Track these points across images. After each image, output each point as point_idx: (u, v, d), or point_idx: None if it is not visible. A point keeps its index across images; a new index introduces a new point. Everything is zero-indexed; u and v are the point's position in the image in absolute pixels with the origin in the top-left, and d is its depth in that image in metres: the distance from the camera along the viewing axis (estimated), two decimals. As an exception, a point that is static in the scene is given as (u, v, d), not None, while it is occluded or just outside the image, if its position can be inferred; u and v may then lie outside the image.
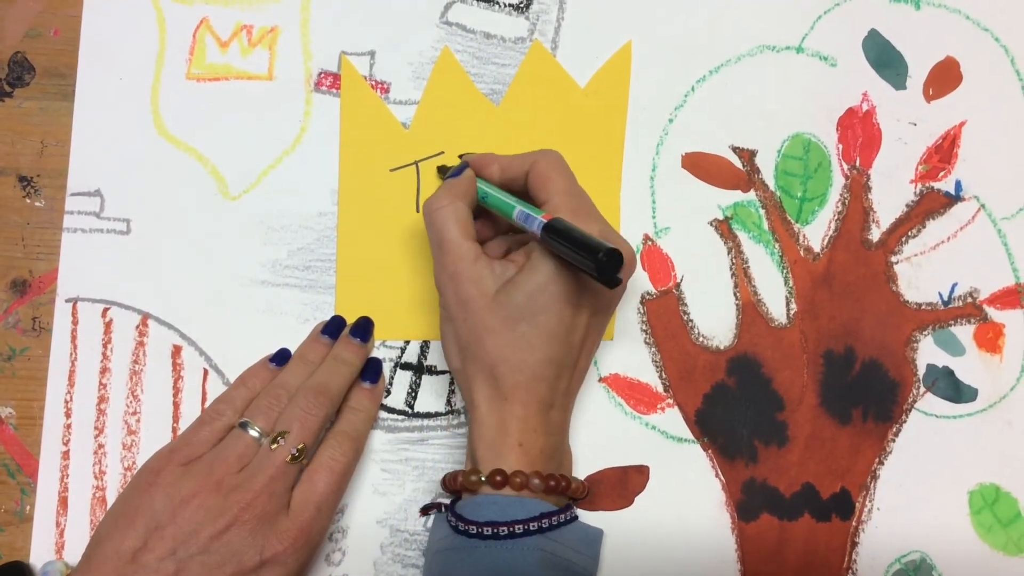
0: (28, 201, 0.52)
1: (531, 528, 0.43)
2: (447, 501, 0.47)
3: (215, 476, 0.44)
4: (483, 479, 0.44)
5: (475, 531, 0.43)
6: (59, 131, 0.53)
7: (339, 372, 0.48)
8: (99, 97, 0.53)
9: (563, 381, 0.46)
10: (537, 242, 0.44)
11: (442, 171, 0.52)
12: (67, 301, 0.51)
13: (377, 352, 0.51)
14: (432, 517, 0.49)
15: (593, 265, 0.40)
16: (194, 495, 0.43)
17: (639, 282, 0.52)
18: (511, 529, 0.43)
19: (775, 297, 0.52)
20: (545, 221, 0.43)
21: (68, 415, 0.51)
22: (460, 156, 0.50)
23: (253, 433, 0.46)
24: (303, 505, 0.44)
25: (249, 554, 0.43)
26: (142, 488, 0.44)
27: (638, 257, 0.52)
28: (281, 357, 0.50)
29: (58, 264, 0.52)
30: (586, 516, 0.50)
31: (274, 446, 0.45)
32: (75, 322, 0.51)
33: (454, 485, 0.46)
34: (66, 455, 0.50)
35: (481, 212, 0.49)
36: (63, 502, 0.50)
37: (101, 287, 0.52)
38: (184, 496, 0.43)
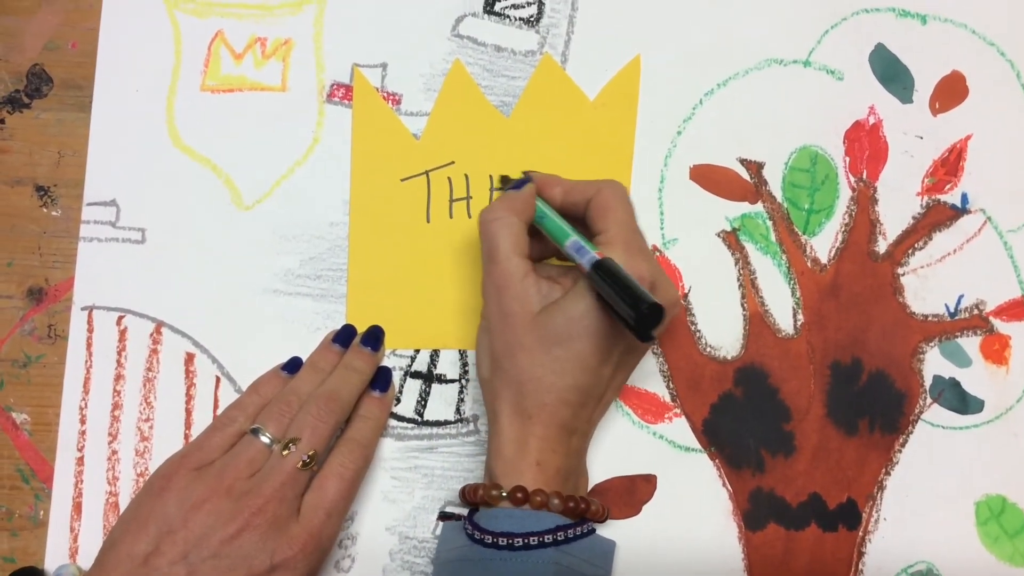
0: (45, 210, 0.53)
1: (546, 540, 0.43)
2: (463, 511, 0.47)
3: (226, 481, 0.44)
4: (503, 494, 0.44)
5: (491, 541, 0.43)
6: (76, 142, 0.54)
7: (350, 380, 0.49)
8: (115, 108, 0.54)
9: (587, 410, 0.46)
10: (584, 276, 0.44)
11: (504, 181, 0.51)
12: (83, 309, 0.52)
13: (387, 361, 0.52)
14: (441, 525, 0.50)
15: (633, 315, 0.40)
16: (205, 500, 0.44)
17: (647, 292, 0.53)
18: (526, 541, 0.43)
19: (782, 308, 0.53)
20: (597, 259, 0.43)
21: (83, 421, 0.51)
22: (524, 172, 0.50)
23: (264, 439, 0.46)
24: (313, 511, 0.45)
25: (260, 558, 0.43)
26: (154, 493, 0.45)
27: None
28: (293, 365, 0.51)
29: (73, 273, 0.52)
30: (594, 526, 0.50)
31: (285, 452, 0.45)
32: (91, 330, 0.52)
33: (473, 498, 0.46)
34: (80, 461, 0.51)
35: (537, 231, 0.48)
36: (77, 507, 0.50)
37: (116, 295, 0.52)
38: (195, 501, 0.44)
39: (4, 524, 0.50)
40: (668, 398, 0.52)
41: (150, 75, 0.54)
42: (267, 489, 0.44)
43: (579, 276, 0.45)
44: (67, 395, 0.51)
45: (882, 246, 0.53)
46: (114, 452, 0.51)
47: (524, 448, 0.45)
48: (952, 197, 0.53)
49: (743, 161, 0.54)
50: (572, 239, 0.45)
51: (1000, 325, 0.52)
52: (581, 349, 0.44)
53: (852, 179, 0.53)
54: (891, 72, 0.54)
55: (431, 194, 0.53)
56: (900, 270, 0.53)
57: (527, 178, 0.49)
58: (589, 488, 0.50)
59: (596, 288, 0.43)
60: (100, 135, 0.53)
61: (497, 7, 0.55)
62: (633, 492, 0.51)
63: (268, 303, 0.52)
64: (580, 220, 0.47)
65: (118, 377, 0.52)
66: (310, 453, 0.45)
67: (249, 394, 0.49)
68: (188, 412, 0.51)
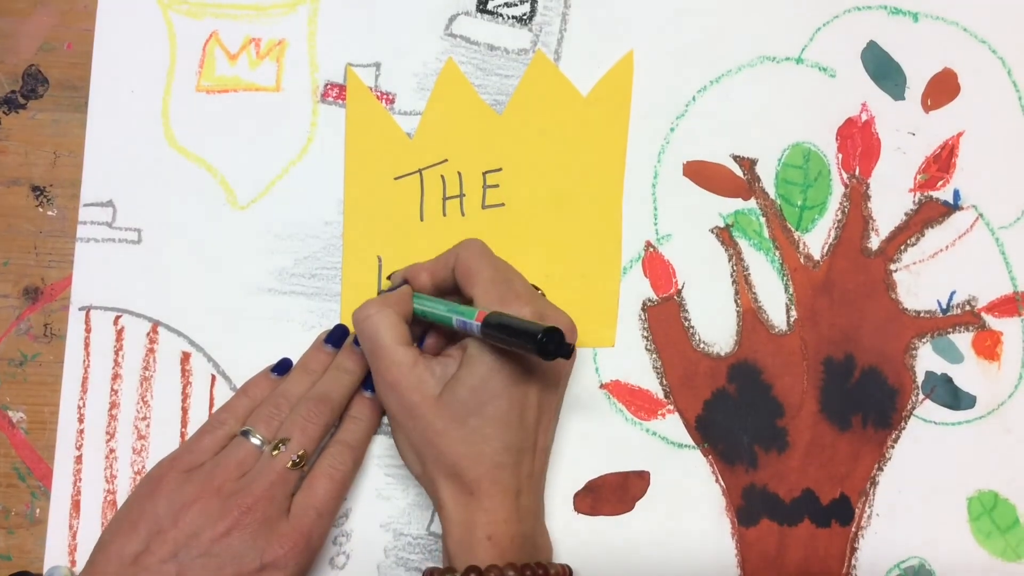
0: (41, 210, 0.53)
1: None
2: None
3: (216, 482, 0.45)
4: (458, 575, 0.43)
5: None
6: (72, 142, 0.54)
7: (341, 381, 0.49)
8: (111, 109, 0.54)
9: (526, 465, 0.45)
10: (474, 340, 0.44)
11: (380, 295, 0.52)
12: (80, 309, 0.52)
13: (382, 359, 0.52)
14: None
15: (536, 348, 0.40)
16: (195, 500, 0.44)
17: (640, 289, 0.53)
18: None
19: (775, 304, 0.53)
20: (479, 323, 0.43)
21: (81, 420, 0.52)
22: (388, 277, 0.51)
23: (255, 441, 0.46)
24: (303, 510, 0.45)
25: (249, 557, 0.43)
26: (145, 494, 0.45)
27: (640, 264, 0.53)
28: (283, 367, 0.51)
29: (69, 272, 0.53)
30: (587, 521, 0.50)
31: (275, 453, 0.46)
32: (88, 330, 0.52)
33: None
34: (79, 459, 0.51)
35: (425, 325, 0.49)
36: (76, 505, 0.51)
37: (113, 295, 0.53)
38: (185, 501, 0.44)
39: (1, 522, 0.51)
40: (661, 394, 0.52)
41: (145, 76, 0.54)
42: (257, 489, 0.44)
43: (467, 343, 0.45)
44: (65, 394, 0.52)
45: (875, 242, 0.53)
46: (112, 450, 0.51)
47: (472, 526, 0.44)
48: (944, 194, 0.53)
49: (736, 158, 0.54)
50: (455, 319, 0.45)
51: (992, 321, 0.52)
52: (495, 410, 0.44)
53: (845, 176, 0.54)
54: (883, 69, 0.54)
55: (424, 192, 0.53)
56: (893, 266, 0.53)
57: (401, 281, 0.49)
58: (583, 484, 0.50)
59: (495, 344, 0.43)
60: (96, 136, 0.54)
61: (490, 6, 0.55)
62: (626, 488, 0.51)
63: (263, 302, 0.53)
64: (455, 291, 0.48)
65: (115, 376, 0.52)
66: (300, 453, 0.46)
67: (239, 396, 0.50)
68: (184, 411, 0.52)
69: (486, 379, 0.44)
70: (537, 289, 0.50)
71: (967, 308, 0.52)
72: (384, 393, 0.46)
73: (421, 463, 0.46)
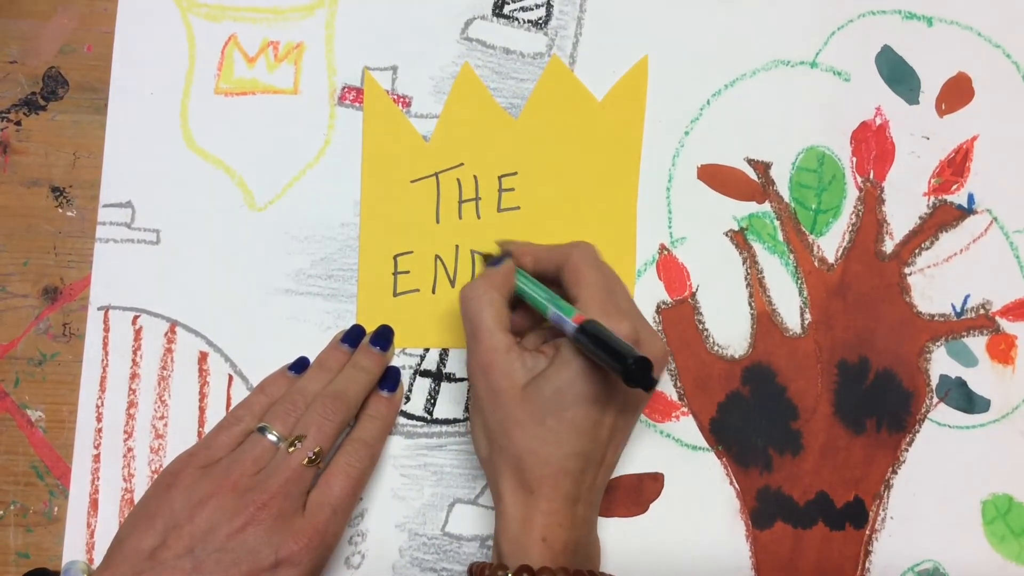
0: (60, 211, 0.54)
1: None
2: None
3: (232, 478, 0.45)
4: (510, 575, 0.43)
5: None
6: (91, 144, 0.54)
7: (357, 380, 0.49)
8: (130, 111, 0.54)
9: (589, 476, 0.45)
10: (569, 342, 0.44)
11: (486, 259, 0.52)
12: (99, 309, 0.53)
13: (397, 359, 0.52)
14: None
15: (622, 372, 0.40)
16: (211, 496, 0.44)
17: (655, 291, 0.53)
18: None
19: (790, 307, 0.53)
20: (576, 325, 0.43)
21: (99, 419, 0.52)
22: (498, 242, 0.51)
23: (271, 437, 0.47)
24: (319, 507, 0.45)
25: (265, 552, 0.43)
26: (162, 490, 0.46)
27: (654, 267, 0.53)
28: (300, 365, 0.51)
29: (88, 272, 0.53)
30: (602, 523, 0.50)
31: (291, 449, 0.46)
32: (107, 329, 0.53)
33: None
34: (97, 458, 0.52)
35: (520, 302, 0.49)
36: (94, 504, 0.51)
37: (132, 295, 0.53)
38: (201, 497, 0.45)
39: (19, 520, 0.51)
40: (675, 397, 0.52)
41: (164, 78, 0.55)
42: (272, 485, 0.45)
43: (561, 344, 0.45)
44: (84, 394, 0.52)
45: (889, 246, 0.53)
46: (129, 449, 0.52)
47: (528, 525, 0.44)
48: (958, 197, 0.53)
49: (751, 161, 0.54)
50: (551, 311, 0.45)
51: (1006, 325, 0.52)
52: (573, 416, 0.44)
53: (859, 179, 0.54)
54: (898, 73, 0.54)
55: (440, 195, 0.54)
56: (907, 270, 0.53)
57: (506, 253, 0.49)
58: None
59: (584, 351, 0.43)
60: (115, 137, 0.54)
61: (506, 10, 0.55)
62: (640, 490, 0.51)
63: (280, 303, 0.53)
64: (555, 283, 0.48)
65: (133, 376, 0.52)
66: (316, 450, 0.46)
67: (256, 394, 0.50)
68: (201, 410, 0.52)
69: (572, 383, 0.44)
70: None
71: (981, 312, 0.53)
72: (474, 373, 0.46)
73: (490, 448, 0.46)
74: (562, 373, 0.44)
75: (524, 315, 0.49)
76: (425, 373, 0.53)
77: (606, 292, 0.46)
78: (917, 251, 0.53)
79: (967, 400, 0.52)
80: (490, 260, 0.49)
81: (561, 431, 0.44)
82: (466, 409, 0.52)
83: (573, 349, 0.44)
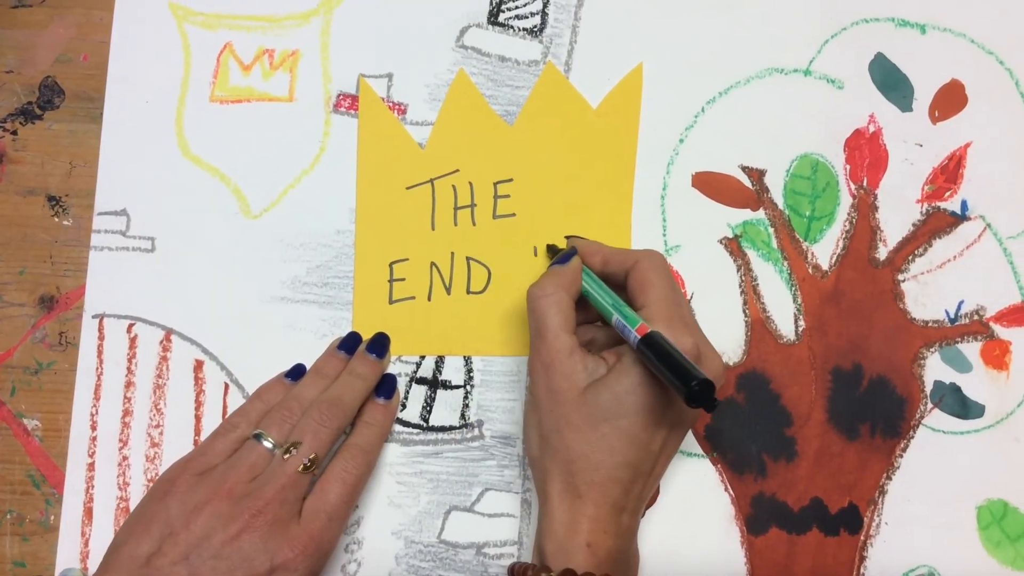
0: (56, 220, 0.54)
1: None
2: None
3: (227, 485, 0.45)
4: None
5: None
6: (87, 152, 0.54)
7: (353, 387, 0.49)
8: (126, 119, 0.55)
9: (637, 486, 0.45)
10: (630, 350, 0.44)
11: (551, 251, 0.52)
12: (94, 317, 0.53)
13: (393, 367, 0.53)
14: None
15: (684, 391, 0.40)
16: (207, 502, 0.44)
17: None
18: None
19: (784, 314, 0.53)
20: (640, 336, 0.43)
21: (94, 428, 0.52)
22: (567, 237, 0.51)
23: (266, 444, 0.47)
24: (314, 514, 0.45)
25: (260, 559, 0.44)
26: (157, 497, 0.46)
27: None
28: (296, 372, 0.51)
29: (84, 281, 0.53)
30: (597, 529, 0.51)
31: (286, 456, 0.46)
32: (101, 337, 0.53)
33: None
34: (91, 467, 0.52)
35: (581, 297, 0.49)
36: (88, 512, 0.51)
37: (126, 303, 0.53)
38: (197, 503, 0.45)
39: (15, 529, 0.51)
40: (671, 404, 0.52)
41: (160, 86, 0.55)
42: (268, 492, 0.45)
43: (622, 353, 0.45)
44: (78, 402, 0.52)
45: (882, 253, 0.53)
46: (125, 458, 0.52)
47: (575, 529, 0.44)
48: (952, 204, 0.54)
49: (745, 168, 0.54)
50: (616, 317, 0.45)
51: (1000, 331, 0.53)
52: (629, 426, 0.44)
53: (853, 186, 0.54)
54: (891, 81, 0.54)
55: (436, 202, 0.54)
56: (900, 276, 0.53)
57: (573, 250, 0.49)
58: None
59: (644, 362, 0.43)
60: (111, 146, 0.54)
61: (501, 18, 0.55)
62: (636, 497, 0.51)
63: (275, 310, 0.53)
64: (620, 286, 0.48)
65: (128, 384, 0.52)
66: (311, 457, 0.46)
67: (252, 401, 0.50)
68: (197, 418, 0.52)
69: (630, 393, 0.44)
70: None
71: (975, 318, 0.53)
72: (536, 371, 0.46)
73: (542, 448, 0.46)
74: (622, 381, 0.44)
75: (579, 308, 0.49)
76: (421, 380, 0.53)
77: (672, 304, 0.46)
78: (911, 258, 0.53)
79: (961, 406, 0.52)
80: (557, 256, 0.49)
81: (615, 439, 0.44)
82: (462, 416, 0.52)
83: (635, 358, 0.44)
